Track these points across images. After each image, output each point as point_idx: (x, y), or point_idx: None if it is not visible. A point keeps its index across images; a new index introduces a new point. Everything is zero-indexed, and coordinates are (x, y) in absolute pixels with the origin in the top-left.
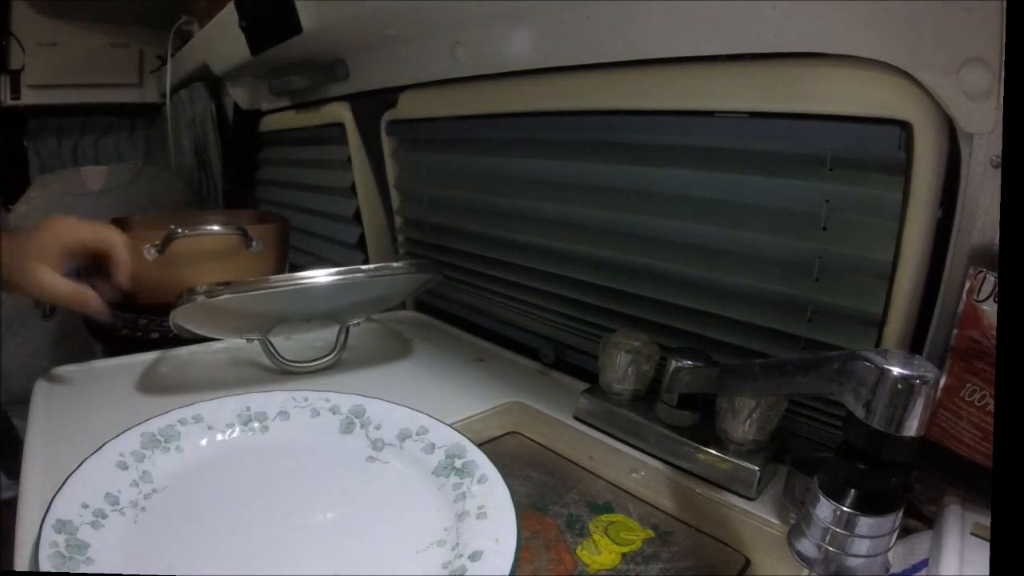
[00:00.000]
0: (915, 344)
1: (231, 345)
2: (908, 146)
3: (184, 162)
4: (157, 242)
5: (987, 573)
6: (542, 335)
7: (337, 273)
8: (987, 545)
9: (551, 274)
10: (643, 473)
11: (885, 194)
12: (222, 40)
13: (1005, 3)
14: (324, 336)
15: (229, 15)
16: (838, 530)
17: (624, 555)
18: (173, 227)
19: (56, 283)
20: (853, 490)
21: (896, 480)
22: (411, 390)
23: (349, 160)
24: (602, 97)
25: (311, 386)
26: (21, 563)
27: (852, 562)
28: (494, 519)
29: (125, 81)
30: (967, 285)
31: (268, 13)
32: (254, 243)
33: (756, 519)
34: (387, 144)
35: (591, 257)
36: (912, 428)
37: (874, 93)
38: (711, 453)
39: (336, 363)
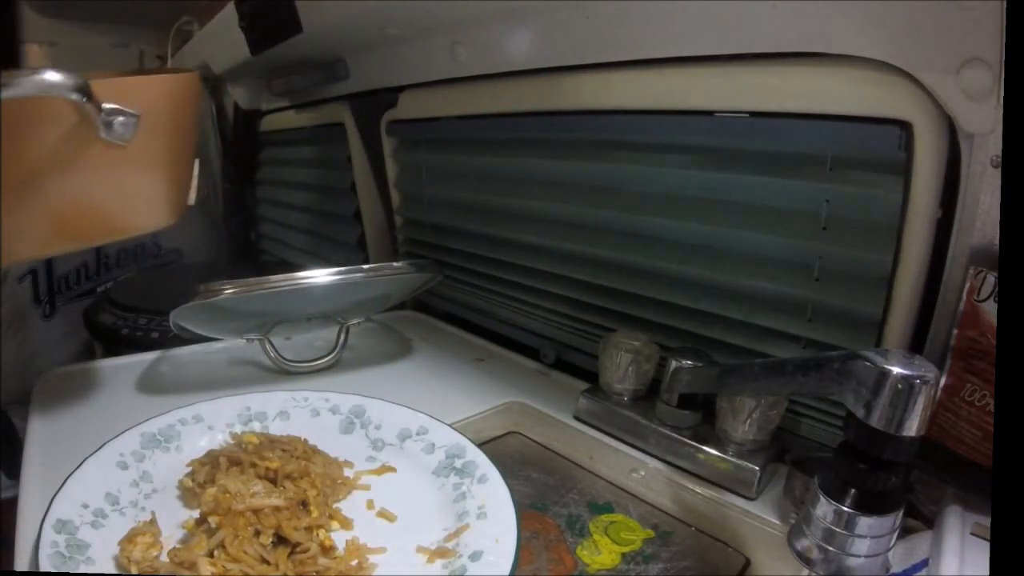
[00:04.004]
0: (915, 344)
1: (231, 345)
2: (908, 146)
3: None
4: None
5: (987, 573)
6: (542, 335)
7: (337, 273)
8: (987, 545)
9: (551, 274)
10: (643, 473)
11: (885, 194)
12: (222, 40)
13: (1005, 3)
14: (324, 336)
15: (229, 15)
16: (838, 530)
17: (624, 555)
18: None
19: None
20: (853, 490)
21: (896, 480)
22: (411, 390)
23: (349, 160)
24: (602, 97)
25: (311, 386)
26: (21, 563)
27: (852, 562)
28: (494, 519)
29: None
30: (967, 285)
31: (268, 13)
32: (117, 121)
33: (756, 519)
34: (387, 144)
35: (591, 257)
36: (912, 428)
37: (874, 93)
38: (711, 453)
39: (336, 363)
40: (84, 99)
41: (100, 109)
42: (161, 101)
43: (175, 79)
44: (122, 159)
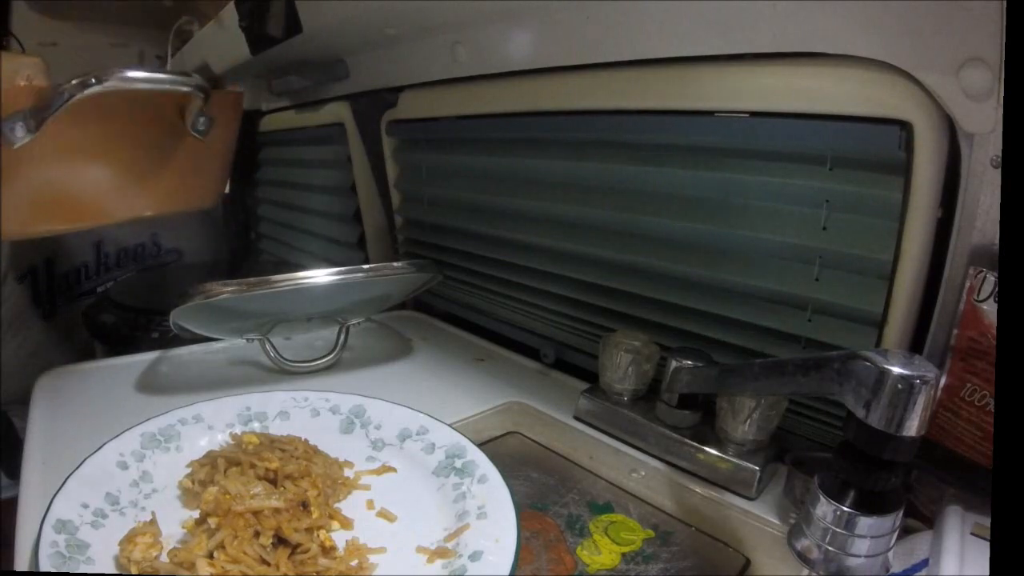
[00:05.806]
0: (915, 344)
1: (231, 345)
2: (908, 146)
3: None
4: (27, 105)
5: (987, 573)
6: (542, 335)
7: (337, 273)
8: (987, 545)
9: (551, 274)
10: (643, 473)
11: (885, 194)
12: (222, 40)
13: (1005, 3)
14: (324, 336)
15: (229, 15)
16: (838, 530)
17: (624, 555)
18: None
19: None
20: (853, 490)
21: (896, 480)
22: (411, 390)
23: (349, 160)
24: (602, 97)
25: (311, 386)
26: (21, 563)
27: (852, 562)
28: (494, 519)
29: None
30: (967, 285)
31: (268, 13)
32: (201, 120)
33: (756, 519)
34: (387, 144)
35: (591, 257)
36: (912, 428)
37: (874, 93)
38: (711, 453)
39: (336, 363)
40: (203, 98)
41: (202, 110)
42: (223, 110)
43: (236, 95)
44: (196, 150)
